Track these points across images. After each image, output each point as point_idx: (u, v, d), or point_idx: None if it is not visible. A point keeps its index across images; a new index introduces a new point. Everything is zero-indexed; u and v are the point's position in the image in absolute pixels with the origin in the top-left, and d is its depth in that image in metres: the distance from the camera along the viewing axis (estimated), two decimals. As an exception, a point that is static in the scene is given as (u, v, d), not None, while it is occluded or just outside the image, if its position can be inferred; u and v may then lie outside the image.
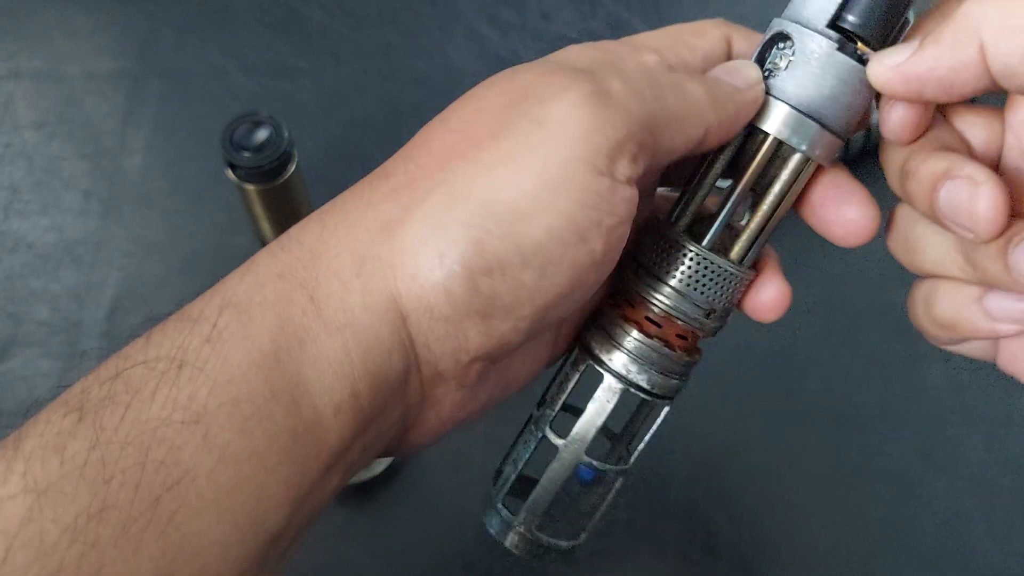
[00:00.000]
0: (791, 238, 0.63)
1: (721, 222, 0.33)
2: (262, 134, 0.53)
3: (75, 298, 0.60)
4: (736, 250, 0.32)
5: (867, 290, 0.60)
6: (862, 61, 0.30)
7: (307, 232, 0.28)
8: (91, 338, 0.59)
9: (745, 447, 0.57)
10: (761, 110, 0.31)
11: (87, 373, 0.26)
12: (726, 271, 0.32)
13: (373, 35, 0.71)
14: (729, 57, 0.33)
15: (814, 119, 0.31)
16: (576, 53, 0.31)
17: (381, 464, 0.53)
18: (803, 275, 0.63)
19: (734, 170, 0.33)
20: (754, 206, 0.33)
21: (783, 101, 0.31)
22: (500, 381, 0.32)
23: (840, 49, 0.30)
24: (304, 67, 0.69)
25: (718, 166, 0.32)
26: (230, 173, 0.53)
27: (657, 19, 0.72)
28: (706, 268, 0.32)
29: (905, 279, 0.34)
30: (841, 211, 0.32)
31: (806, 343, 0.60)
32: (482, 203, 0.27)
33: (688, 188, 0.33)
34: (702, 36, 0.33)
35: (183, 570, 0.24)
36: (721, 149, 0.32)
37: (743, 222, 0.33)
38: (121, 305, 0.60)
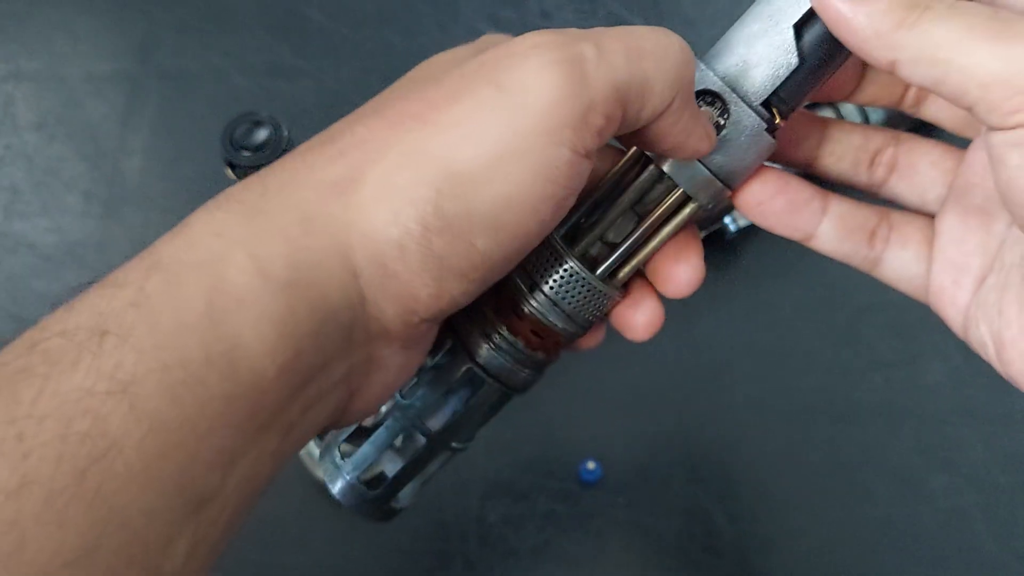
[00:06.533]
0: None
1: (618, 256, 0.33)
2: (262, 134, 0.53)
3: (76, 299, 0.60)
4: (621, 273, 0.33)
5: (866, 288, 0.60)
6: (774, 133, 0.31)
7: (248, 192, 0.27)
8: (92, 339, 0.59)
9: (745, 446, 0.57)
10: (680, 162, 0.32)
11: None
12: (593, 287, 0.32)
13: (373, 35, 0.71)
14: None
15: (725, 183, 0.32)
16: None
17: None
18: (802, 273, 0.63)
19: (637, 203, 0.33)
20: (636, 230, 0.33)
21: (705, 165, 0.31)
22: (430, 342, 0.32)
23: (767, 128, 0.31)
24: (304, 67, 0.69)
25: (625, 199, 0.33)
26: (230, 173, 0.53)
27: (657, 18, 0.72)
28: (575, 281, 0.32)
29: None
30: (672, 267, 0.34)
31: (806, 341, 0.60)
32: (438, 161, 0.26)
33: (590, 208, 0.34)
34: None
35: (110, 542, 0.23)
36: (629, 182, 0.33)
37: (620, 240, 0.33)
38: (122, 306, 0.60)
